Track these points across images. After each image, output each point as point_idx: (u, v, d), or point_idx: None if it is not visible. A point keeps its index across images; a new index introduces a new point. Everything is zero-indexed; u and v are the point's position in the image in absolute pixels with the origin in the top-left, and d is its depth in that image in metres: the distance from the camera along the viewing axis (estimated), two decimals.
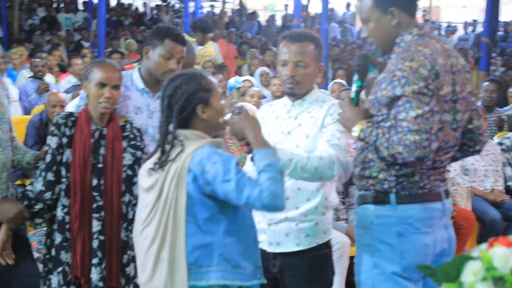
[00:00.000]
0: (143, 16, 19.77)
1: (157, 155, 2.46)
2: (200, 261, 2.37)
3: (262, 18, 22.09)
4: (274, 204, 2.23)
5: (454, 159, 2.75)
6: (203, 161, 2.34)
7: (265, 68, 9.36)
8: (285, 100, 3.02)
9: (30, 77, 8.12)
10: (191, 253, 2.37)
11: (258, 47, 13.14)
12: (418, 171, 2.55)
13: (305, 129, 2.89)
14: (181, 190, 2.36)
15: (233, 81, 7.94)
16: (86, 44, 13.19)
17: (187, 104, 2.43)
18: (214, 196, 2.35)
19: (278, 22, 20.59)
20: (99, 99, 2.99)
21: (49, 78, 8.55)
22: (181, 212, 2.37)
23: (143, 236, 2.45)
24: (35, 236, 4.08)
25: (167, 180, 2.39)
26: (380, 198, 2.58)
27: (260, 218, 2.88)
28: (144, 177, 2.49)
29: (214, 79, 2.52)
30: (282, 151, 2.63)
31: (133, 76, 3.35)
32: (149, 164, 2.49)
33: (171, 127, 2.45)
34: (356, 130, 2.54)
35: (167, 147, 2.43)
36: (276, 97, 6.49)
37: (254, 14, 20.73)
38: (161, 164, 2.41)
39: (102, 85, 2.99)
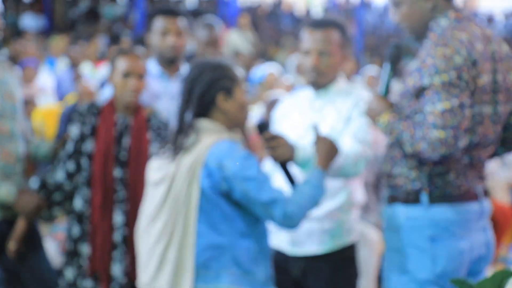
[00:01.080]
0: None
1: (170, 144, 2.35)
2: (209, 263, 2.25)
3: (301, 9, 22.01)
4: (295, 218, 2.24)
5: (496, 155, 2.56)
6: (222, 156, 2.24)
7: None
8: (308, 91, 2.87)
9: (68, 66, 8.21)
10: (200, 254, 2.25)
11: (295, 36, 13.07)
12: (454, 168, 2.39)
13: (329, 122, 2.74)
14: (194, 185, 2.25)
15: (259, 73, 6.95)
16: (126, 35, 13.32)
17: (208, 89, 2.33)
18: (229, 194, 2.25)
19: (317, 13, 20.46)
20: (125, 90, 2.94)
21: (87, 67, 8.61)
22: (193, 209, 2.25)
23: (149, 234, 2.33)
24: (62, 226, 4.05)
25: (180, 172, 2.26)
26: (411, 198, 2.43)
27: None
28: (154, 171, 2.37)
29: (241, 72, 2.42)
30: (304, 148, 2.50)
31: (148, 65, 3.32)
32: (160, 155, 2.38)
33: (188, 113, 2.35)
34: (381, 123, 2.41)
35: (181, 135, 2.32)
36: None
37: (292, 6, 20.66)
38: (173, 153, 2.30)
39: (127, 75, 2.94)
